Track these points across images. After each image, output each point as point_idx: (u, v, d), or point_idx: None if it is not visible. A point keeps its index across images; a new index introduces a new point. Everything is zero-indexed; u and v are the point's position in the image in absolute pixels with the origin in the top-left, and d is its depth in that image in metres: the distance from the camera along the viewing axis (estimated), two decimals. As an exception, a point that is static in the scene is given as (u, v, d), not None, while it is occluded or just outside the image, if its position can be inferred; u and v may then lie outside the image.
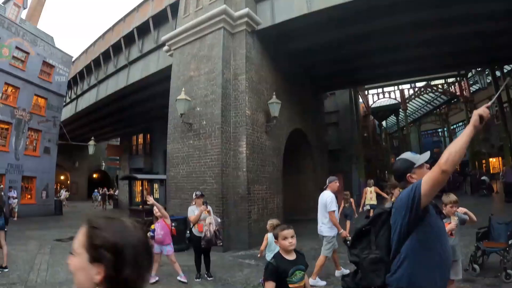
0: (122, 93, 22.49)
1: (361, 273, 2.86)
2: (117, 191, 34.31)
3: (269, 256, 6.26)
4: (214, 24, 12.60)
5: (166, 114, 13.24)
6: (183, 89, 12.10)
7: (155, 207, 7.51)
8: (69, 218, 22.03)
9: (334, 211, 7.12)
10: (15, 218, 18.85)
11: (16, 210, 19.36)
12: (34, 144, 23.62)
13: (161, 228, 7.28)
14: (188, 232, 7.81)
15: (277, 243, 3.44)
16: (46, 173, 23.67)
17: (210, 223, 7.50)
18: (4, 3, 22.89)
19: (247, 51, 12.58)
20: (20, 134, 22.03)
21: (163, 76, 18.07)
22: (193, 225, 7.66)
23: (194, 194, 7.93)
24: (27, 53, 22.66)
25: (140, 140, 30.87)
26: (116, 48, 22.33)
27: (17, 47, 21.90)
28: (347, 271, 6.92)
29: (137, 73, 20.21)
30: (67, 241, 13.03)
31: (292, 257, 3.33)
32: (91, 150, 23.60)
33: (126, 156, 31.96)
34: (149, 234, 7.32)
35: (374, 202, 13.23)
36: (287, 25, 12.81)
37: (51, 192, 24.11)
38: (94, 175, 48.81)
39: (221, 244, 7.84)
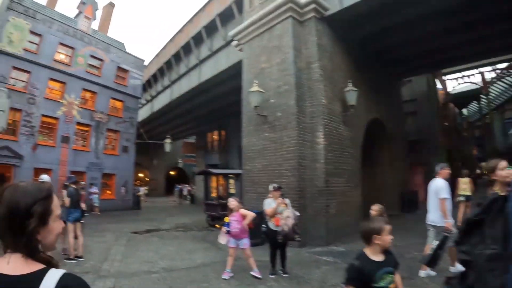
0: (194, 92, 22.98)
1: (475, 273, 2.33)
2: (187, 187, 35.29)
3: None
4: (281, 14, 12.18)
5: (239, 110, 13.15)
6: (256, 81, 11.82)
7: (229, 199, 7.42)
8: (146, 212, 23.20)
9: (446, 198, 6.59)
10: (98, 213, 20.37)
11: (96, 204, 20.78)
12: (113, 144, 25.20)
13: (237, 222, 7.06)
14: (264, 226, 7.44)
15: (377, 239, 2.79)
16: (125, 170, 25.11)
17: (287, 217, 7.14)
18: (75, 17, 24.77)
19: (318, 38, 12.00)
20: (99, 135, 23.72)
21: (234, 72, 18.08)
22: (270, 218, 7.31)
23: (271, 187, 7.56)
24: (101, 60, 24.28)
25: (215, 137, 31.45)
26: (186, 48, 22.87)
27: (91, 56, 23.57)
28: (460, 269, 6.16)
29: (208, 71, 20.47)
30: (143, 233, 13.49)
31: (379, 257, 2.80)
32: (167, 148, 24.54)
33: (201, 153, 32.85)
34: (224, 228, 7.16)
35: (469, 192, 12.05)
36: (356, 8, 11.92)
37: (129, 188, 25.55)
38: (172, 172, 50.65)
39: (299, 239, 7.48)
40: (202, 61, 21.41)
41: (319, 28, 12.25)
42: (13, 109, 18.93)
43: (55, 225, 1.35)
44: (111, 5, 29.70)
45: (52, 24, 21.18)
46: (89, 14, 24.64)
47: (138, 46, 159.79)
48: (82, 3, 24.80)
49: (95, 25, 26.32)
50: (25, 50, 19.43)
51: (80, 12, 24.59)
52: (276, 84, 11.94)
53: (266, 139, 11.89)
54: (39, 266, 1.24)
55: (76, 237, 8.66)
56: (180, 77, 24.25)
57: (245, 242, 7.16)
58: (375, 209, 6.10)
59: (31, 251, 1.24)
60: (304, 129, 11.33)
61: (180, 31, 24.49)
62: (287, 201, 7.41)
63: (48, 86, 21.25)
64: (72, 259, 8.41)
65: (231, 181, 26.82)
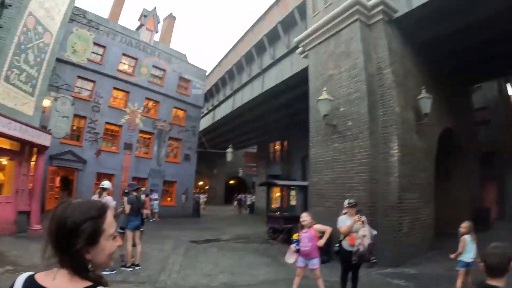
0: (257, 101, 22.78)
1: None
2: (253, 197, 34.95)
3: (465, 257, 6.51)
4: (347, 17, 11.50)
5: (303, 120, 12.54)
6: (324, 88, 11.20)
7: (302, 215, 6.81)
8: (206, 220, 23.22)
9: None
10: (158, 219, 20.59)
11: (156, 211, 20.97)
12: (175, 152, 25.57)
13: (309, 239, 6.40)
14: (337, 245, 6.77)
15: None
16: (185, 178, 25.36)
17: (363, 236, 6.42)
18: (137, 29, 25.60)
19: (389, 42, 11.14)
20: (161, 143, 24.17)
21: (299, 80, 17.72)
22: (344, 237, 6.62)
23: (346, 202, 6.88)
24: (164, 70, 24.82)
25: (277, 147, 30.95)
26: (248, 57, 22.78)
27: (154, 66, 24.17)
28: None
29: (271, 80, 20.14)
30: (202, 243, 13.20)
31: None
32: (229, 157, 24.59)
33: (263, 163, 32.49)
34: (293, 246, 6.53)
35: None
36: (426, 8, 10.81)
37: (190, 196, 25.75)
38: (231, 181, 50.76)
39: (374, 260, 6.67)
40: (265, 70, 21.12)
41: (388, 30, 11.39)
42: (78, 116, 19.77)
43: (108, 244, 1.29)
44: (172, 18, 30.43)
45: (115, 36, 22.01)
46: (151, 26, 25.33)
47: (199, 57, 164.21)
48: (144, 16, 25.66)
49: (156, 37, 27.06)
50: (89, 60, 20.29)
51: (141, 25, 25.38)
52: (346, 92, 11.22)
53: (335, 150, 11.16)
54: (84, 284, 1.19)
55: (134, 245, 8.52)
56: (243, 86, 24.17)
57: (316, 262, 6.48)
58: (464, 226, 6.17)
59: (77, 269, 1.20)
60: (377, 140, 10.45)
61: (241, 40, 24.52)
62: (363, 218, 6.63)
63: (112, 95, 22.04)
64: (128, 267, 8.26)
65: (293, 193, 26.33)
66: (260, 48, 21.45)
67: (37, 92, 11.99)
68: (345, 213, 6.88)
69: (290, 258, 6.75)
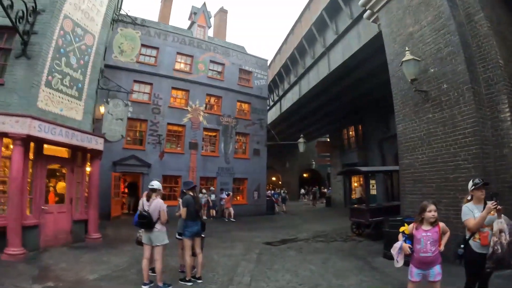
0: (325, 84, 20.81)
1: None
2: (330, 190, 32.94)
3: None
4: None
5: (377, 100, 10.43)
6: (406, 49, 9.05)
7: (430, 206, 4.41)
8: (281, 218, 21.58)
9: None
10: (232, 218, 19.42)
11: (227, 211, 19.86)
12: (243, 147, 24.23)
13: (434, 242, 4.32)
14: (462, 245, 4.62)
15: None
16: (256, 174, 23.91)
17: (500, 231, 4.33)
18: (189, 27, 24.98)
19: (475, -19, 8.68)
20: (228, 139, 23.01)
21: (369, 52, 15.89)
22: (472, 234, 4.53)
23: (470, 184, 4.72)
24: (222, 64, 23.70)
25: (351, 133, 28.53)
26: (309, 38, 21.10)
27: (211, 61, 23.16)
28: None
29: (338, 57, 18.14)
30: (277, 245, 11.56)
31: None
32: (301, 148, 22.98)
33: (337, 152, 30.27)
34: (407, 245, 4.46)
35: None
36: None
37: (262, 192, 24.25)
38: (305, 175, 49.02)
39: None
40: (329, 48, 19.14)
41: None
42: (138, 119, 19.69)
43: None
44: (223, 11, 29.42)
45: (167, 36, 21.50)
46: (203, 22, 24.54)
47: (258, 47, 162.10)
48: (194, 13, 24.99)
49: (210, 33, 26.29)
50: (143, 63, 20.24)
51: (193, 22, 24.64)
52: (434, 49, 8.96)
53: (430, 122, 8.90)
54: None
55: (194, 254, 7.12)
56: (307, 70, 22.31)
57: (439, 271, 4.37)
58: None
59: None
60: (481, 102, 8.13)
61: (298, 20, 22.84)
62: (498, 205, 4.44)
63: (172, 95, 21.42)
64: (188, 281, 6.86)
65: (372, 182, 24.01)
66: (320, 24, 19.55)
67: (84, 95, 11.32)
68: (469, 200, 4.75)
69: (399, 260, 4.63)
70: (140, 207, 6.73)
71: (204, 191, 20.08)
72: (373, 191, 23.19)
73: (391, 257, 8.40)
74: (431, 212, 4.35)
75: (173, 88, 21.35)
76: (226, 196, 20.27)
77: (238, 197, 23.28)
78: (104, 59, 14.58)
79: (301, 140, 22.74)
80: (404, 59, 8.84)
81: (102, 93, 14.71)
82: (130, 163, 18.92)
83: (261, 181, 24.00)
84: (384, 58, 11.94)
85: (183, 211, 6.92)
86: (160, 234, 6.49)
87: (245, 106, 24.50)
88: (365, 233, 12.69)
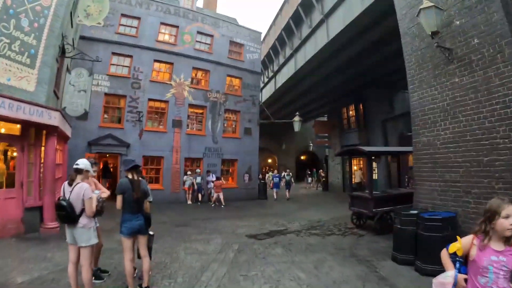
0: (323, 56, 18.61)
1: None
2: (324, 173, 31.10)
3: None
4: None
5: (380, 77, 8.51)
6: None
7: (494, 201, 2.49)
8: (274, 203, 19.58)
9: None
10: (222, 205, 17.29)
11: (213, 195, 17.83)
12: (233, 126, 22.20)
13: (508, 272, 2.35)
14: None
15: None
16: (248, 155, 21.91)
17: None
18: None
19: None
20: (216, 116, 21.00)
21: (373, 18, 13.81)
22: None
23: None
24: (211, 36, 21.60)
25: (351, 112, 26.15)
26: (306, 5, 18.86)
27: (198, 32, 21.09)
28: None
29: (337, 23, 15.96)
30: (263, 238, 9.66)
31: None
32: (296, 127, 20.91)
33: (336, 133, 28.06)
34: (462, 278, 2.45)
35: None
36: None
37: (254, 175, 22.25)
38: (302, 157, 47.22)
39: None
40: (328, 14, 16.89)
41: None
42: (116, 95, 17.95)
43: None
44: (215, -20, 27.05)
45: (149, 5, 19.42)
46: (191, -9, 22.43)
47: (252, 23, 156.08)
48: None
49: (200, 4, 24.60)
50: (123, 34, 18.38)
51: None
52: (459, -4, 6.96)
53: (456, 88, 6.88)
54: None
55: (140, 257, 5.32)
56: (304, 41, 20.08)
57: None
58: None
59: None
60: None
61: (294, -14, 20.49)
62: None
63: (154, 69, 19.42)
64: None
65: (374, 165, 22.11)
66: (319, -13, 17.41)
67: (38, 63, 9.50)
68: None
69: None
70: (61, 194, 4.81)
71: (189, 173, 18.50)
72: (375, 176, 21.52)
73: (402, 261, 6.55)
74: (509, 218, 2.33)
75: (156, 60, 19.36)
76: (214, 179, 18.32)
77: (227, 180, 21.40)
78: (72, 26, 12.79)
79: (296, 118, 20.61)
80: (422, 7, 6.79)
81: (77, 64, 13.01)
82: (106, 142, 17.12)
83: (253, 163, 22.02)
84: (390, 26, 10.08)
85: (118, 200, 4.96)
86: (84, 232, 4.64)
87: (235, 81, 22.39)
88: (367, 225, 10.83)
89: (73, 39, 13.36)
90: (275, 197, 21.42)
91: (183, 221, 12.19)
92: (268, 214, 14.61)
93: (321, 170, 31.95)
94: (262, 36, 25.42)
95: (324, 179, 30.19)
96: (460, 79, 6.83)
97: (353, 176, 24.34)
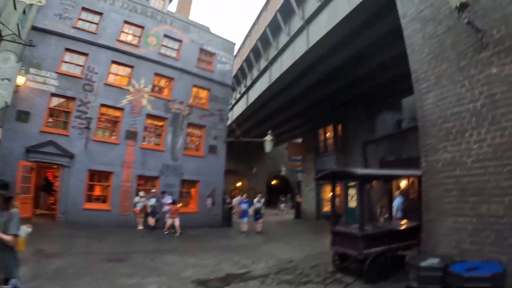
0: (301, 67, 16.74)
1: None
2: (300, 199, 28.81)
3: None
4: None
5: (363, 93, 6.74)
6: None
7: None
8: (238, 232, 16.22)
9: None
10: (177, 233, 14.51)
11: (171, 221, 15.05)
12: (197, 142, 19.60)
13: None
14: None
15: None
16: (212, 176, 19.32)
17: None
18: None
19: None
20: (177, 130, 18.43)
21: (362, 20, 12.08)
22: None
23: None
24: (179, 41, 19.47)
25: (329, 134, 24.08)
26: (286, 11, 17.05)
27: (166, 36, 19.03)
28: None
29: (320, 28, 14.16)
30: (215, 285, 7.10)
31: None
32: (268, 147, 18.51)
33: (311, 156, 25.79)
34: None
35: None
36: None
37: (218, 199, 19.50)
38: (273, 182, 45.05)
39: None
40: (309, 20, 15.13)
41: None
42: (64, 96, 15.40)
43: None
44: (190, -15, 25.09)
45: (114, 1, 17.32)
46: (163, -8, 20.43)
47: (228, 36, 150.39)
48: None
49: (172, 8, 22.52)
50: (80, 29, 16.11)
51: None
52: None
53: (495, 82, 4.89)
54: None
55: None
56: (281, 51, 18.18)
57: None
58: None
59: None
60: None
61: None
62: None
63: (111, 71, 17.02)
64: None
65: (351, 191, 19.99)
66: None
67: None
68: None
69: None
70: None
71: (141, 193, 15.71)
72: (354, 205, 19.40)
73: None
74: None
75: (114, 62, 16.93)
76: (171, 202, 15.64)
77: (187, 204, 18.65)
78: (15, 8, 10.62)
79: (268, 137, 18.29)
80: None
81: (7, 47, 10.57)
82: (47, 150, 14.37)
83: (217, 185, 19.42)
84: (380, 31, 9.86)
85: None
86: None
87: (203, 93, 20.07)
88: (353, 267, 8.47)
89: (17, 24, 11.40)
90: (244, 230, 15.78)
91: (120, 254, 9.58)
92: (229, 248, 11.96)
93: (298, 196, 29.65)
94: (236, 48, 23.49)
95: (297, 205, 27.89)
96: (500, 69, 4.83)
97: (325, 203, 22.47)
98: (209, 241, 13.61)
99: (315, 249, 11.28)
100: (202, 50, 20.14)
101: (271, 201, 39.96)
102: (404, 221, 9.61)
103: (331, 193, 10.59)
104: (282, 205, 32.88)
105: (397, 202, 11.64)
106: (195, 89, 19.56)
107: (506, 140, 4.58)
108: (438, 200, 5.46)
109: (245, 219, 16.10)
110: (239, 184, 42.32)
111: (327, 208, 21.72)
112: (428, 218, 5.68)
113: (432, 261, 4.69)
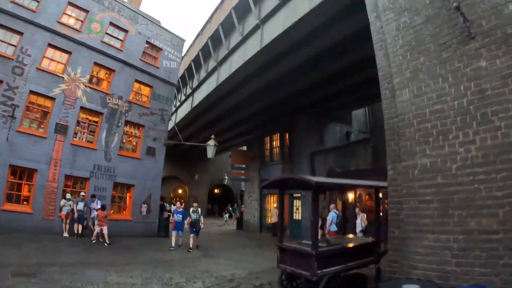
0: (251, 69, 15.89)
1: None
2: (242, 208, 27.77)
3: None
4: None
5: (314, 102, 6.13)
6: None
7: None
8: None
9: None
10: (106, 242, 12.82)
11: (99, 229, 13.31)
12: (134, 143, 17.92)
13: None
14: None
15: None
16: (149, 180, 17.67)
17: None
18: None
19: None
20: (113, 128, 16.72)
21: (323, 20, 11.46)
22: None
23: None
24: (125, 30, 17.94)
25: (276, 142, 23.37)
26: (241, 9, 16.16)
27: (111, 23, 17.43)
28: None
29: (276, 28, 13.40)
30: None
31: None
32: (210, 152, 17.36)
33: (255, 165, 24.85)
34: None
35: None
36: None
37: (154, 207, 17.83)
38: (216, 190, 43.90)
39: None
40: (265, 20, 14.34)
41: None
42: None
43: None
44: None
45: None
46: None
47: (181, 33, 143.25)
48: None
49: None
50: (18, 4, 14.18)
51: None
52: None
53: (484, 76, 4.29)
54: None
55: None
56: (232, 51, 17.25)
57: None
58: None
59: None
60: None
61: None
62: None
63: (46, 55, 15.08)
64: None
65: (297, 203, 19.32)
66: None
67: None
68: None
69: None
70: None
71: (68, 195, 13.83)
72: (298, 216, 19.17)
73: None
74: None
75: (51, 45, 15.03)
76: (99, 208, 13.97)
77: (121, 210, 16.79)
78: None
79: (211, 142, 17.11)
80: None
81: None
82: (-45, 140, 12.21)
83: (154, 191, 17.79)
84: (339, 34, 9.09)
85: None
86: None
87: (145, 90, 18.52)
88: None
89: None
90: (174, 244, 13.18)
91: (33, 267, 7.93)
92: (162, 262, 10.44)
93: (243, 206, 28.58)
94: (186, 47, 22.30)
95: (240, 216, 26.80)
96: (489, 63, 4.19)
97: (269, 215, 21.46)
98: (141, 253, 11.98)
99: (259, 265, 10.20)
100: (149, 44, 18.74)
101: (213, 211, 39.00)
102: (352, 236, 8.96)
103: (278, 204, 9.63)
104: (227, 215, 31.64)
105: (331, 216, 11.17)
106: (137, 85, 18.03)
107: (500, 143, 3.92)
108: (413, 213, 4.65)
109: (179, 232, 13.40)
110: (180, 191, 40.72)
111: (270, 219, 20.76)
112: (400, 235, 4.83)
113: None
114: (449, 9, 4.68)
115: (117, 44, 17.43)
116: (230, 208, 32.98)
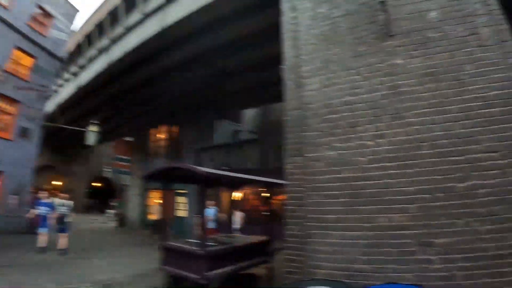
0: (146, 52, 14.83)
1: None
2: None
3: None
4: None
5: (208, 97, 7.22)
6: None
7: None
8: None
9: None
10: None
11: None
12: (5, 121, 15.44)
13: None
14: None
15: None
16: (21, 167, 15.25)
17: None
18: None
19: None
20: (-18, 101, 14.16)
21: (231, 9, 11.25)
22: None
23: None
24: (12, -13, 15.50)
25: (162, 135, 22.44)
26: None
27: None
28: None
29: (182, 8, 12.39)
30: None
31: None
32: (91, 139, 15.82)
33: (140, 158, 23.46)
34: None
35: None
36: None
37: (25, 199, 15.37)
38: (98, 184, 40.97)
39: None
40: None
41: None
42: None
43: None
44: None
45: None
46: None
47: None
48: None
49: None
50: None
51: None
52: None
53: (400, 73, 4.38)
54: None
55: None
56: (129, 30, 15.71)
57: None
58: None
59: None
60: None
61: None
62: None
63: None
64: None
65: (181, 199, 18.82)
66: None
67: None
68: None
69: None
70: None
71: None
72: (183, 213, 18.62)
73: None
74: None
75: None
76: None
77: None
78: None
79: (93, 128, 15.68)
80: None
81: None
82: None
83: (26, 181, 15.57)
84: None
85: None
86: None
87: (26, 60, 16.33)
88: None
89: None
90: (41, 245, 10.81)
91: None
92: (29, 265, 8.81)
93: (125, 202, 26.79)
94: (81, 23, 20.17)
95: (119, 212, 25.09)
96: (406, 61, 4.26)
97: (153, 211, 20.45)
98: (5, 252, 10.18)
99: (141, 267, 9.20)
100: (40, 9, 16.75)
101: (94, 206, 37.05)
102: (241, 235, 8.77)
103: (162, 198, 8.88)
104: (111, 211, 29.25)
105: (209, 212, 10.61)
106: (17, 52, 15.78)
107: (412, 137, 3.95)
108: (316, 209, 4.39)
109: (45, 230, 10.94)
110: (57, 183, 37.09)
111: (153, 216, 19.73)
112: (299, 232, 4.52)
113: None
114: (371, 6, 4.71)
115: (4, 1, 14.99)
116: (114, 204, 30.81)
